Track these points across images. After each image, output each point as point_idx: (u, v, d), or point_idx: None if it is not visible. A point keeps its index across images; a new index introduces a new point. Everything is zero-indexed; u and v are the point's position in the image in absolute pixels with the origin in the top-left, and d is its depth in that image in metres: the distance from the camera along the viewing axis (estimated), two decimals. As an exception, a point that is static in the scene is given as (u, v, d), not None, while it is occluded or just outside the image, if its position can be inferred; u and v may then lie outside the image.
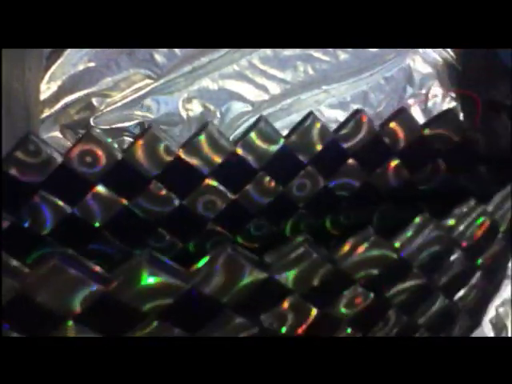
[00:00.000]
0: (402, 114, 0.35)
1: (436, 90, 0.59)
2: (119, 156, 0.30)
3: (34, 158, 0.28)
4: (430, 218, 0.26)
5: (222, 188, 0.33)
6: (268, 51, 0.55)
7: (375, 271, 0.25)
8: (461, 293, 0.31)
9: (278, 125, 0.54)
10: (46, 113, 0.48)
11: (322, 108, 0.56)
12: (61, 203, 0.31)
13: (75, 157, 0.29)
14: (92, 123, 0.48)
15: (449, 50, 0.60)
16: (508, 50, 0.53)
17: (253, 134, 0.32)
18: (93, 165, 0.30)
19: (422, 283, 0.28)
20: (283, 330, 0.25)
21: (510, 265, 0.49)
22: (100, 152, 0.29)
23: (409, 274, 0.27)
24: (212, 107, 0.52)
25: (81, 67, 0.49)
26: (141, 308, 0.21)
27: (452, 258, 0.28)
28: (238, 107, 0.53)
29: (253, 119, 0.53)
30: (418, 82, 0.59)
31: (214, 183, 0.33)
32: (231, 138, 0.51)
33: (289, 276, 0.23)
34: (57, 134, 0.48)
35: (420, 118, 0.56)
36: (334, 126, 0.54)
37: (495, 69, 0.55)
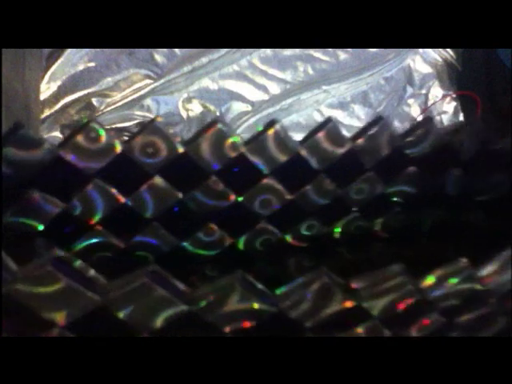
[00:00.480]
0: (472, 125, 0.34)
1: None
2: (181, 149, 0.29)
3: (93, 144, 0.27)
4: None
5: (280, 187, 0.33)
6: (268, 51, 0.55)
7: (457, 301, 0.25)
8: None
9: (277, 125, 0.54)
10: (46, 113, 0.48)
11: (322, 108, 0.56)
12: (115, 192, 0.30)
13: (136, 146, 0.28)
14: (92, 123, 0.48)
15: (449, 49, 0.60)
16: (507, 49, 0.53)
17: (320, 136, 0.31)
18: (153, 155, 0.29)
19: (491, 311, 0.28)
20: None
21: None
22: (161, 144, 0.29)
23: (485, 305, 0.27)
24: (212, 107, 0.52)
25: (81, 67, 0.49)
26: (222, 328, 0.21)
27: None
28: (237, 107, 0.53)
29: (253, 119, 0.53)
30: (417, 81, 0.59)
31: (273, 182, 0.32)
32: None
33: (376, 305, 0.23)
34: (57, 133, 0.48)
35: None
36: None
37: (495, 69, 0.55)
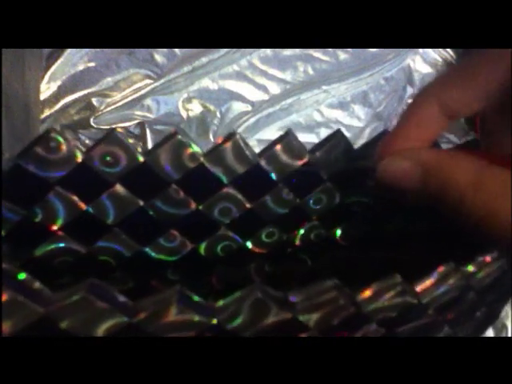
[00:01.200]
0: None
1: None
2: (141, 158, 0.30)
3: (55, 155, 0.28)
4: (455, 268, 0.26)
5: (239, 196, 0.33)
6: (268, 51, 0.55)
7: (393, 314, 0.26)
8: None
9: (277, 125, 0.54)
10: (46, 113, 0.48)
11: (322, 108, 0.56)
12: (76, 199, 0.31)
13: (96, 156, 0.29)
14: (92, 123, 0.49)
15: (449, 49, 0.60)
16: (508, 49, 0.53)
17: (278, 148, 0.32)
18: (114, 165, 0.30)
19: (432, 320, 0.29)
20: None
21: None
22: (122, 154, 0.29)
23: (424, 316, 0.28)
24: (212, 107, 0.53)
25: (81, 67, 0.49)
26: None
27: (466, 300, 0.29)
28: (237, 107, 0.53)
29: (253, 119, 0.53)
30: (418, 82, 0.59)
31: (233, 191, 0.33)
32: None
33: (312, 317, 0.24)
34: (57, 134, 0.48)
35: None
36: (334, 126, 0.55)
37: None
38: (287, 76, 0.55)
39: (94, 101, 0.49)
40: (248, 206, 0.34)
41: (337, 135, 0.33)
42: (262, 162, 0.32)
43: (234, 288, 0.23)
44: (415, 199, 0.26)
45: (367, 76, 0.58)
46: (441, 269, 0.26)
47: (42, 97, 0.48)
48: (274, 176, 0.33)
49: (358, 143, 0.35)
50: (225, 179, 0.32)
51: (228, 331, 0.22)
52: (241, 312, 0.22)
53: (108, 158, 0.29)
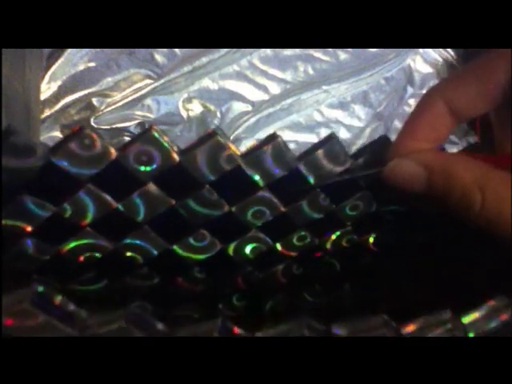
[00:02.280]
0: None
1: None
2: (177, 158, 0.29)
3: (87, 151, 0.28)
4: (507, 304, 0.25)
5: (275, 200, 0.33)
6: (268, 51, 0.55)
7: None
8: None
9: (278, 125, 0.54)
10: (47, 113, 0.48)
11: (322, 108, 0.56)
12: (107, 197, 0.30)
13: (131, 154, 0.28)
14: (92, 123, 0.49)
15: (449, 50, 0.60)
16: (508, 49, 0.53)
17: (320, 152, 0.31)
18: (148, 163, 0.29)
19: None
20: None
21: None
22: (157, 152, 0.29)
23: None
24: (212, 107, 0.52)
25: (81, 67, 0.49)
26: None
27: None
28: (238, 107, 0.53)
29: (253, 119, 0.53)
30: (418, 82, 0.59)
31: (268, 195, 0.32)
32: (231, 138, 0.52)
33: None
34: (57, 134, 0.48)
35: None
36: (334, 126, 0.55)
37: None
38: (287, 76, 0.55)
39: (95, 101, 0.49)
40: (282, 209, 0.33)
41: (381, 139, 0.32)
42: (302, 167, 0.31)
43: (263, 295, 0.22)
44: (421, 202, 0.26)
45: (367, 76, 0.58)
46: (491, 302, 0.24)
47: (43, 97, 0.48)
48: (311, 180, 0.32)
49: (357, 143, 0.34)
50: (261, 182, 0.31)
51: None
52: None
53: (143, 157, 0.29)
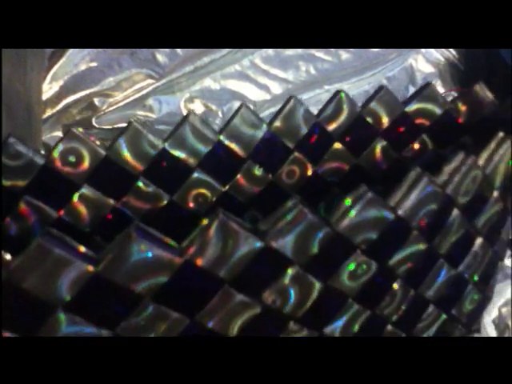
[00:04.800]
0: (381, 93, 0.34)
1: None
2: (103, 153, 0.29)
3: (15, 161, 0.27)
4: (422, 173, 0.24)
5: (211, 180, 0.32)
6: (270, 51, 0.55)
7: (374, 235, 0.24)
8: (465, 261, 0.29)
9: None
10: (48, 113, 0.48)
11: (324, 108, 0.56)
12: (46, 208, 0.29)
13: (58, 157, 0.28)
14: (94, 123, 0.49)
15: (451, 49, 0.60)
16: (510, 49, 0.53)
17: (236, 121, 0.31)
18: (77, 165, 0.29)
19: (424, 248, 0.26)
20: (287, 307, 0.23)
21: (510, 265, 0.49)
22: (84, 151, 0.28)
23: (409, 238, 0.25)
24: (214, 107, 0.52)
25: (83, 67, 0.49)
26: (135, 289, 0.20)
27: (450, 218, 0.27)
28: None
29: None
30: (420, 81, 0.59)
31: (202, 176, 0.32)
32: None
33: (287, 243, 0.22)
34: (59, 134, 0.48)
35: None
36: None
37: (497, 68, 0.55)
38: (289, 76, 0.55)
39: (96, 101, 0.49)
40: (222, 188, 0.33)
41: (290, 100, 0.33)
42: (222, 138, 0.31)
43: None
44: None
45: (369, 76, 0.57)
46: (409, 175, 0.24)
47: (44, 97, 0.48)
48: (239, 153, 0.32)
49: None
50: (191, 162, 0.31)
51: (201, 269, 0.20)
52: (209, 243, 0.20)
53: (70, 157, 0.28)
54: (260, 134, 0.32)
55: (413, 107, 0.35)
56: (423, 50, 0.59)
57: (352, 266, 0.24)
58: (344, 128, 0.35)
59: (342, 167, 0.36)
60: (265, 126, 0.32)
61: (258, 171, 0.33)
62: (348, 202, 0.23)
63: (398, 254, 0.25)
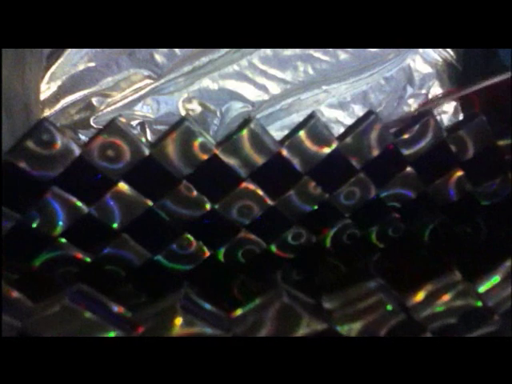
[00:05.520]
0: (473, 120, 0.31)
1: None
2: (147, 151, 0.26)
3: (48, 150, 0.24)
4: None
5: (260, 192, 0.29)
6: (268, 51, 0.55)
7: (452, 320, 0.22)
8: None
9: (278, 125, 0.54)
10: (46, 113, 0.48)
11: (322, 108, 0.56)
12: (76, 201, 0.27)
13: (96, 149, 0.25)
14: (92, 123, 0.48)
15: (449, 50, 0.60)
16: (507, 49, 0.53)
17: (302, 134, 0.28)
18: (115, 160, 0.26)
19: (499, 328, 0.24)
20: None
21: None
22: (124, 146, 0.26)
23: (489, 322, 0.23)
24: (212, 107, 0.52)
25: (81, 67, 0.49)
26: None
27: None
28: (238, 107, 0.53)
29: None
30: (418, 81, 0.59)
31: (252, 187, 0.29)
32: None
33: (353, 328, 0.20)
34: (57, 134, 0.48)
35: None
36: (334, 126, 0.55)
37: (495, 68, 0.55)
38: (287, 76, 0.55)
39: (94, 101, 0.49)
40: (270, 203, 0.30)
41: (369, 116, 0.29)
42: (284, 151, 0.28)
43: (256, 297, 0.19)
44: None
45: (367, 76, 0.57)
46: (508, 264, 0.22)
47: (42, 97, 0.48)
48: (298, 167, 0.29)
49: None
50: (242, 173, 0.28)
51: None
52: (264, 323, 0.18)
53: (109, 152, 0.26)
54: (327, 151, 0.29)
55: (506, 141, 0.32)
56: (421, 50, 0.60)
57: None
58: (422, 153, 0.31)
59: (407, 193, 0.33)
60: (335, 144, 0.29)
61: (314, 189, 0.30)
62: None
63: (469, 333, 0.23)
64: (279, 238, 0.32)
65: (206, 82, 0.53)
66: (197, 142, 0.27)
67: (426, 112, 0.31)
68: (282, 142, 0.28)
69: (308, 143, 0.29)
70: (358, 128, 0.29)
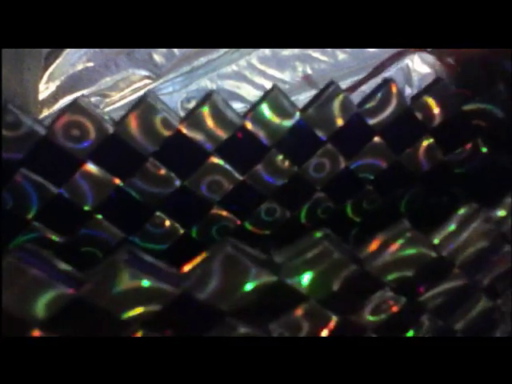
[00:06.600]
0: (438, 85, 0.31)
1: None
2: (111, 129, 0.26)
3: (13, 131, 0.25)
4: (478, 209, 0.21)
5: (228, 167, 0.29)
6: (267, 51, 0.55)
7: (409, 273, 0.21)
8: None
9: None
10: (45, 113, 0.48)
11: (321, 108, 0.56)
12: (46, 183, 0.27)
13: (60, 130, 0.26)
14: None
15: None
16: (507, 50, 0.53)
17: (264, 106, 0.28)
18: (81, 139, 0.26)
19: (462, 284, 0.23)
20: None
21: None
22: (89, 125, 0.26)
23: (448, 275, 0.22)
24: (211, 107, 0.52)
25: (79, 67, 0.49)
26: (119, 316, 0.17)
27: (499, 254, 0.23)
28: (236, 107, 0.53)
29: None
30: (416, 82, 0.59)
31: (219, 161, 0.29)
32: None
33: (303, 280, 0.19)
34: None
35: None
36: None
37: (494, 69, 0.55)
38: (286, 76, 0.55)
39: (93, 101, 0.49)
40: (239, 177, 0.30)
41: (330, 86, 0.29)
42: (248, 124, 0.28)
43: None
44: None
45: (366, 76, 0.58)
46: (461, 212, 0.21)
47: (41, 97, 0.48)
48: (264, 140, 0.29)
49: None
50: (208, 147, 0.28)
51: (199, 301, 0.18)
52: (211, 275, 0.18)
53: (74, 132, 0.26)
54: (290, 122, 0.29)
55: (472, 106, 0.32)
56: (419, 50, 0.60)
57: (376, 302, 0.21)
58: (388, 122, 0.31)
59: (379, 164, 0.33)
60: (298, 114, 0.29)
61: (283, 162, 0.30)
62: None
63: (432, 289, 0.23)
64: (253, 214, 0.32)
65: (205, 82, 0.53)
66: (160, 119, 0.27)
67: (386, 80, 0.31)
68: (245, 115, 0.29)
69: (271, 115, 0.29)
70: (320, 98, 0.29)
